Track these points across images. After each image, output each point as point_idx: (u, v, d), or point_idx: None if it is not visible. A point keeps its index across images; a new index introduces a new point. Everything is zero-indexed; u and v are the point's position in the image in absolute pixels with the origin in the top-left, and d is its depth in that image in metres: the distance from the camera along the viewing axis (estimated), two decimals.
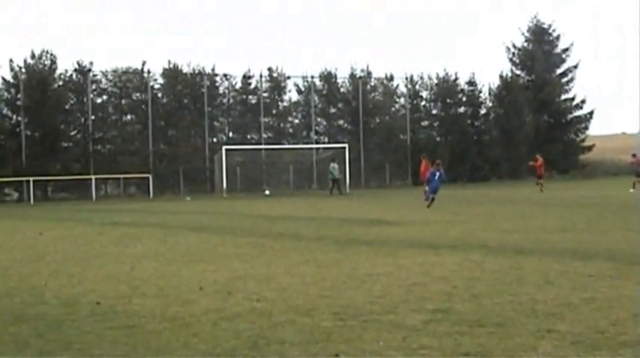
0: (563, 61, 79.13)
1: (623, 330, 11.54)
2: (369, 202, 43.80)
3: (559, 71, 79.30)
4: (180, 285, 16.53)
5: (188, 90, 65.94)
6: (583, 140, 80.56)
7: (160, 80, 66.29)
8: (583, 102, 79.66)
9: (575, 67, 79.30)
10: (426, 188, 39.17)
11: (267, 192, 54.92)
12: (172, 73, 65.90)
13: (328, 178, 56.71)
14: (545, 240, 23.64)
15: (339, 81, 71.24)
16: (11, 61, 61.20)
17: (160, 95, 66.01)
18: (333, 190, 54.43)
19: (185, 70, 66.71)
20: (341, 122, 71.24)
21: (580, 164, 78.05)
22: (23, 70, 62.06)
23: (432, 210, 38.06)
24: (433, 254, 20.81)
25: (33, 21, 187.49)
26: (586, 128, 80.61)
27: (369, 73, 71.67)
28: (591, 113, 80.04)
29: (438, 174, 38.91)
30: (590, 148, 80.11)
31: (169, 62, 65.52)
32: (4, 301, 15.24)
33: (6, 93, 62.07)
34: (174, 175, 62.78)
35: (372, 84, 72.10)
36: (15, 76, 61.94)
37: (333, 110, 71.44)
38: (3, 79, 61.96)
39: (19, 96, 61.09)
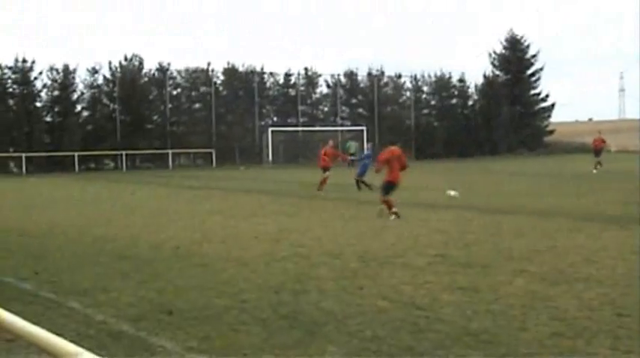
0: (532, 64, 78.75)
1: (577, 270, 11.69)
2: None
3: (529, 72, 78.96)
4: (240, 234, 16.74)
5: (242, 84, 65.96)
6: (547, 126, 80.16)
7: (221, 77, 66.40)
8: (547, 96, 79.37)
9: (542, 69, 79.13)
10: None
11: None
12: (230, 71, 66.07)
13: (347, 152, 56.78)
14: (519, 202, 23.69)
15: (359, 78, 71.06)
16: (110, 62, 62.01)
17: (220, 88, 66.11)
18: (352, 162, 54.47)
19: (240, 69, 66.79)
20: (360, 110, 71.03)
21: (544, 144, 77.69)
22: (119, 69, 62.44)
23: (432, 177, 38.11)
24: (433, 212, 20.93)
25: (127, 26, 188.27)
26: (549, 116, 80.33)
27: (382, 72, 71.64)
28: (553, 105, 79.99)
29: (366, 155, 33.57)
30: (552, 132, 79.84)
31: (228, 63, 66.08)
32: (110, 244, 15.53)
33: (105, 87, 62.43)
34: (232, 150, 62.86)
35: (385, 80, 71.93)
36: (112, 74, 62.31)
37: (354, 101, 71.23)
38: (104, 76, 62.37)
39: (115, 89, 61.46)
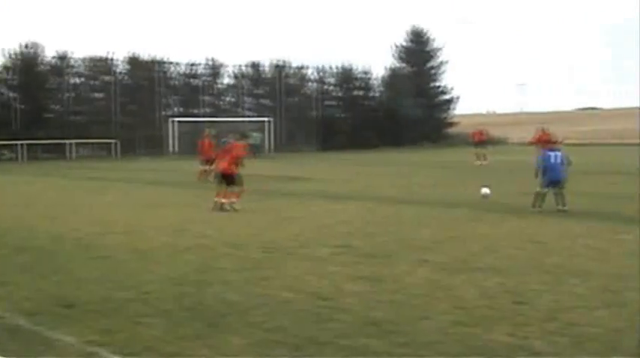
0: (435, 57, 79.76)
1: (478, 259, 11.95)
2: (286, 163, 43.83)
3: (432, 65, 79.90)
4: (142, 226, 16.53)
5: (145, 74, 65.00)
6: (449, 118, 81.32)
7: (124, 66, 65.35)
8: (451, 89, 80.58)
9: (446, 62, 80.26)
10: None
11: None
12: (133, 61, 65.05)
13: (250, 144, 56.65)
14: (421, 193, 24.06)
15: (264, 69, 70.81)
16: (7, 49, 60.30)
17: (122, 78, 65.04)
18: (254, 153, 54.36)
19: (143, 58, 65.83)
20: (265, 101, 70.80)
21: (447, 136, 78.81)
22: (15, 56, 60.78)
23: (336, 169, 38.35)
24: (336, 203, 21.05)
25: (27, 13, 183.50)
26: (453, 109, 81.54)
27: (287, 63, 71.56)
28: (457, 97, 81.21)
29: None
30: (455, 124, 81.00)
31: (130, 52, 65.12)
32: (8, 236, 15.13)
33: (4, 75, 60.67)
34: (134, 141, 61.91)
35: (289, 71, 71.86)
36: (10, 61, 60.62)
37: (258, 91, 70.98)
38: (1, 64, 60.66)
39: (14, 77, 59.87)
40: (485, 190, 21.69)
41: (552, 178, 18.97)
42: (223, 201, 19.38)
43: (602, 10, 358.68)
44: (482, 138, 43.60)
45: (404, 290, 9.67)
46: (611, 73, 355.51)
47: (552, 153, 19.38)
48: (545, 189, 18.93)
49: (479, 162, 40.69)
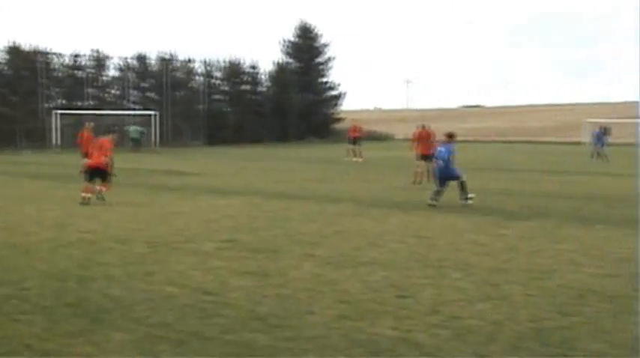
0: (322, 53, 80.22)
1: (363, 253, 12.07)
2: (172, 158, 43.37)
3: (319, 60, 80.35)
4: (23, 221, 16.07)
5: (27, 64, 63.16)
6: (336, 114, 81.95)
7: (2, 56, 63.32)
8: (338, 84, 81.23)
9: (332, 58, 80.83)
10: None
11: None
12: (14, 51, 63.13)
13: (129, 138, 55.67)
14: (307, 188, 24.14)
15: (151, 61, 69.78)
16: None
17: (2, 68, 63.02)
18: (134, 147, 53.44)
19: (24, 48, 63.98)
20: (151, 94, 69.80)
21: (333, 132, 79.40)
22: None
23: (222, 163, 38.14)
24: (223, 198, 20.93)
25: None
26: (338, 104, 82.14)
27: (174, 56, 70.75)
28: (344, 93, 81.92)
29: None
30: (341, 120, 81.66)
31: (10, 41, 63.18)
32: None
33: None
34: (15, 133, 60.16)
35: (176, 65, 71.06)
36: None
37: (144, 84, 69.92)
38: None
39: None
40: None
41: (437, 175, 19.67)
42: (89, 195, 19.13)
43: (506, 10, 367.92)
44: (356, 135, 43.21)
45: (289, 285, 9.68)
46: (494, 72, 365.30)
47: (442, 148, 19.76)
48: (439, 188, 19.33)
49: (355, 159, 40.67)
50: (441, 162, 19.49)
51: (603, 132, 45.67)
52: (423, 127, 27.43)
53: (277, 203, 19.57)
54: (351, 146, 42.24)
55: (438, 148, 20.07)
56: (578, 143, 71.12)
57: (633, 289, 9.52)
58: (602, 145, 43.66)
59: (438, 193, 19.20)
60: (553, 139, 77.89)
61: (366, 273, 10.43)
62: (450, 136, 20.06)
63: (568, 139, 76.09)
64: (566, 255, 11.97)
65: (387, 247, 12.67)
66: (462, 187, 19.21)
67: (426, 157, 25.39)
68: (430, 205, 18.79)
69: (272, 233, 14.27)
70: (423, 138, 26.81)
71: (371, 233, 14.27)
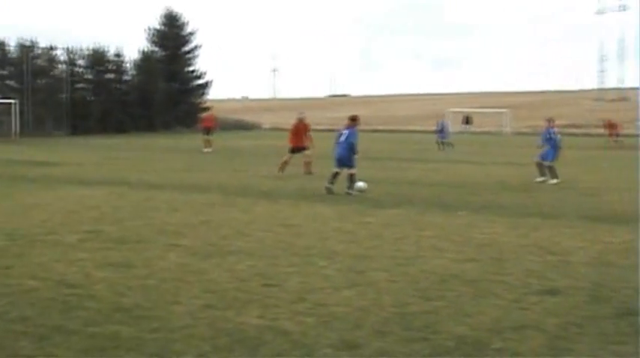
0: (189, 41, 79.46)
1: (229, 243, 12.02)
2: (33, 148, 42.08)
3: (186, 49, 79.56)
4: None
5: None
6: (203, 102, 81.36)
7: None
8: (204, 73, 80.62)
9: (200, 46, 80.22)
10: None
11: None
12: None
13: None
14: (173, 178, 23.87)
15: (10, 48, 67.41)
16: None
17: None
18: None
19: None
20: (10, 82, 67.49)
21: (200, 120, 78.92)
22: None
23: (86, 153, 37.24)
24: (86, 188, 20.44)
25: None
26: (206, 94, 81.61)
27: (35, 43, 68.61)
28: (209, 82, 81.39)
29: None
30: (208, 109, 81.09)
31: None
32: None
33: None
34: None
35: (37, 52, 68.90)
36: None
37: (4, 72, 67.58)
38: None
39: None
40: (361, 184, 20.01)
41: (336, 156, 19.90)
42: None
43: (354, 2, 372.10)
44: (209, 125, 42.25)
45: (155, 276, 9.55)
46: (360, 62, 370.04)
47: (345, 131, 20.00)
48: (336, 169, 19.72)
49: (206, 150, 39.82)
50: (343, 145, 19.74)
51: (466, 120, 47.13)
52: (300, 119, 26.84)
53: (142, 193, 19.27)
54: (205, 136, 41.50)
55: (343, 131, 20.14)
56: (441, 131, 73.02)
57: (493, 273, 9.83)
58: (444, 136, 44.69)
59: (334, 176, 19.58)
60: (418, 128, 79.53)
61: (232, 263, 10.39)
62: (353, 120, 20.21)
63: (433, 128, 77.86)
64: (429, 242, 12.25)
65: (253, 236, 12.66)
66: (351, 179, 19.45)
67: (297, 149, 25.57)
68: (327, 188, 19.27)
69: (137, 223, 14.05)
70: (300, 130, 26.39)
71: (238, 222, 14.23)
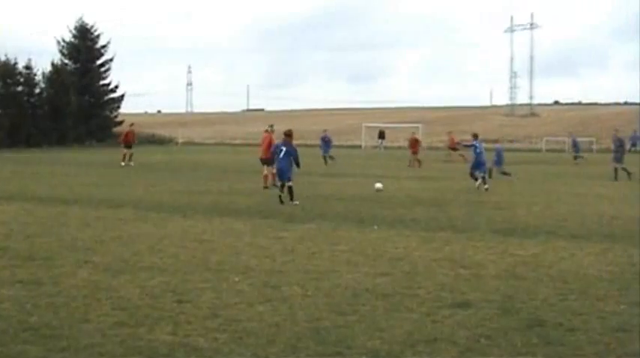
0: (102, 54, 78.43)
1: (141, 258, 11.87)
2: None
3: (99, 62, 78.49)
4: None
5: None
6: (116, 116, 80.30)
7: None
8: (117, 87, 79.58)
9: (112, 59, 79.20)
10: None
11: None
12: None
13: None
14: (86, 193, 23.46)
15: None
16: None
17: None
18: None
19: None
20: None
21: (114, 135, 77.81)
22: None
23: None
24: None
25: None
26: (119, 107, 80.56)
27: None
28: (122, 96, 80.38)
29: None
30: (121, 123, 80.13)
31: None
32: None
33: None
34: None
35: None
36: None
37: None
38: None
39: None
40: (378, 185, 24.27)
41: (277, 170, 21.46)
42: None
43: (259, 16, 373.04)
44: (130, 139, 42.41)
45: (64, 293, 9.34)
46: (276, 77, 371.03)
47: (282, 146, 21.25)
48: (280, 181, 21.06)
49: (127, 163, 40.09)
50: (284, 160, 20.94)
51: (381, 135, 47.26)
52: (267, 131, 27.08)
53: (53, 208, 18.89)
54: (126, 150, 41.30)
55: (280, 146, 21.26)
56: (359, 146, 73.65)
57: (405, 287, 9.90)
58: (327, 149, 44.61)
59: (282, 187, 20.83)
60: (334, 143, 79.96)
61: (144, 279, 10.25)
62: (288, 135, 21.52)
63: (348, 143, 78.40)
64: (342, 256, 12.29)
65: (166, 252, 12.52)
66: (290, 191, 20.47)
67: (267, 161, 25.59)
68: (280, 197, 20.44)
69: (47, 239, 13.75)
70: (268, 142, 26.24)
71: (151, 238, 14.05)
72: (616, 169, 32.17)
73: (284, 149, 21.04)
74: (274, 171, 24.76)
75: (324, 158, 43.17)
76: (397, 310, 8.71)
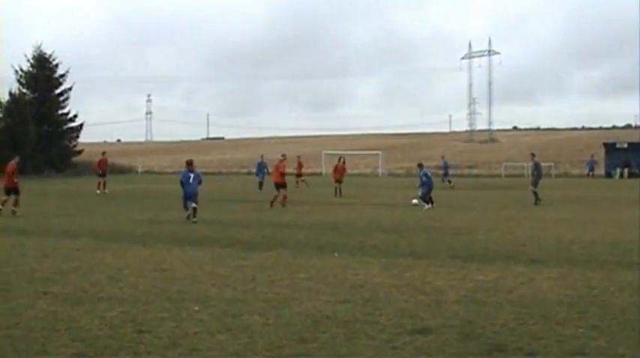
0: (61, 83, 77.99)
1: (101, 289, 11.78)
2: None
3: (58, 91, 78.03)
4: None
5: None
6: (75, 146, 79.72)
7: None
8: (75, 116, 79.02)
9: (70, 88, 78.72)
10: None
11: None
12: None
13: None
14: (44, 223, 23.25)
15: None
16: None
17: None
18: None
19: None
20: None
21: (73, 164, 77.19)
22: None
23: None
24: None
25: None
26: (78, 136, 80.00)
27: None
28: (82, 125, 79.86)
29: None
30: (80, 152, 79.56)
31: None
32: None
33: None
34: None
35: None
36: None
37: None
38: None
39: None
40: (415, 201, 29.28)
41: (187, 192, 24.06)
42: None
43: (218, 44, 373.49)
44: (104, 168, 43.60)
45: (22, 325, 9.23)
46: (235, 105, 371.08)
47: (190, 174, 24.37)
48: (193, 204, 23.67)
49: (100, 191, 41.17)
50: (194, 185, 24.15)
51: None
52: (281, 160, 31.10)
53: (10, 239, 18.70)
54: (99, 178, 42.10)
55: (189, 174, 24.36)
56: (320, 174, 73.74)
57: (366, 314, 9.92)
58: (262, 175, 44.74)
59: (194, 210, 23.61)
60: (291, 171, 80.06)
61: (104, 309, 10.16)
62: (190, 164, 24.72)
63: (309, 170, 78.47)
64: (303, 284, 12.28)
65: (126, 281, 12.43)
66: (195, 211, 23.60)
67: (281, 185, 30.16)
68: (192, 221, 23.13)
69: (4, 270, 13.60)
70: (278, 168, 30.71)
71: (110, 268, 13.94)
72: (535, 193, 32.61)
73: (192, 175, 24.31)
74: (286, 192, 30.27)
75: (261, 184, 43.02)
76: (358, 337, 8.72)
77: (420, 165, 31.40)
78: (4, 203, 27.34)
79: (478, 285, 12.21)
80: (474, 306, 10.50)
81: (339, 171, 40.96)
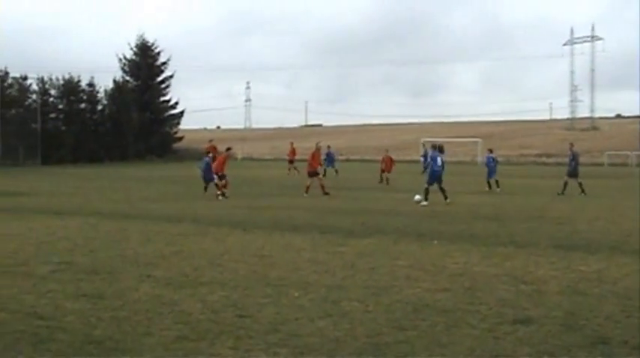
0: (162, 71, 79.48)
1: (203, 273, 11.94)
2: (4, 178, 41.81)
3: (159, 79, 79.53)
4: None
5: None
6: (176, 132, 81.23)
7: None
8: (177, 103, 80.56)
9: (172, 76, 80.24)
10: None
11: None
12: None
13: None
14: (147, 208, 23.75)
15: None
16: None
17: None
18: None
19: None
20: None
21: (173, 150, 78.67)
22: None
23: (58, 183, 37.00)
24: (58, 218, 20.29)
25: None
26: (178, 123, 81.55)
27: (7, 73, 68.28)
28: (182, 112, 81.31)
29: None
30: (181, 139, 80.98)
31: None
32: None
33: None
34: None
35: (9, 82, 68.56)
36: None
37: None
38: None
39: None
40: (417, 197, 26.75)
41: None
42: None
43: (318, 32, 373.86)
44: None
45: (126, 307, 9.44)
46: (335, 92, 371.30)
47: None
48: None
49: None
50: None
51: (431, 152, 46.79)
52: (318, 148, 31.83)
53: (115, 223, 19.15)
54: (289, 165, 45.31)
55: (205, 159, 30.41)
56: (417, 161, 73.22)
57: (466, 303, 9.81)
58: (331, 164, 47.03)
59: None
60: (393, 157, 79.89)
61: (205, 293, 10.31)
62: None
63: (407, 158, 78.15)
64: (402, 271, 12.22)
65: (226, 266, 12.58)
66: (205, 189, 28.84)
67: (314, 174, 30.98)
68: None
69: (109, 254, 13.92)
70: (314, 157, 31.41)
71: (211, 253, 14.14)
72: (565, 183, 31.84)
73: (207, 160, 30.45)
74: (323, 182, 30.99)
75: (325, 171, 43.40)
76: (458, 326, 8.63)
77: (490, 150, 35.20)
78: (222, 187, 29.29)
79: (581, 276, 11.93)
80: (577, 297, 10.26)
81: (387, 162, 41.69)
